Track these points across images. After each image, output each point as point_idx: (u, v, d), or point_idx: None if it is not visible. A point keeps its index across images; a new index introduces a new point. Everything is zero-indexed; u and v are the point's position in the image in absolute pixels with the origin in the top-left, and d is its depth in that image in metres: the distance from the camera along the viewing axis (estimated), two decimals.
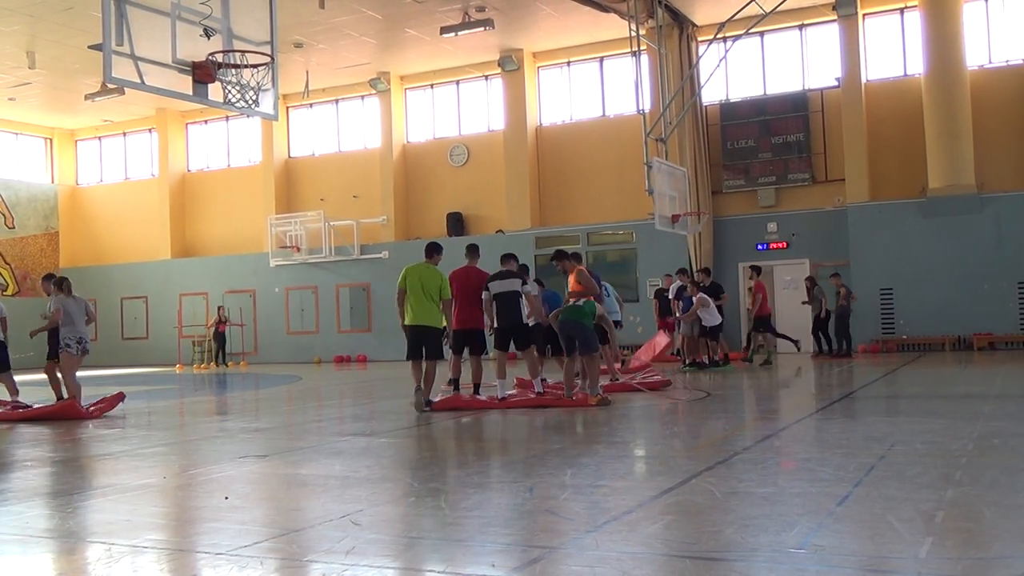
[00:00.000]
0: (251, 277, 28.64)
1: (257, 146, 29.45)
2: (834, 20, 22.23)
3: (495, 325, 11.67)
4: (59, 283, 12.40)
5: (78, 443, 9.40)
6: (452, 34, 22.12)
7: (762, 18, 19.34)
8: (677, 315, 17.74)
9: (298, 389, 16.99)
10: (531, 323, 12.46)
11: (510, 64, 25.17)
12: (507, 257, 12.00)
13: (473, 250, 12.15)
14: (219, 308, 26.66)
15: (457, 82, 26.90)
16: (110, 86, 20.32)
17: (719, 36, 20.46)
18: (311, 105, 28.43)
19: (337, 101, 28.48)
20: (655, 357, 18.27)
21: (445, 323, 11.27)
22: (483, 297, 11.47)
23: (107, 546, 4.75)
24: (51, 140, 32.11)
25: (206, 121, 30.36)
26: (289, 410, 13.17)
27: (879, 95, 22.23)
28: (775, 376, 15.98)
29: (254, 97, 9.95)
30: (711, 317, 16.52)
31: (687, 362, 17.22)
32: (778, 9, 19.19)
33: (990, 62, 21.61)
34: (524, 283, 11.78)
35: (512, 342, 11.75)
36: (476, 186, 26.38)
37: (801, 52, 23.23)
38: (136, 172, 31.88)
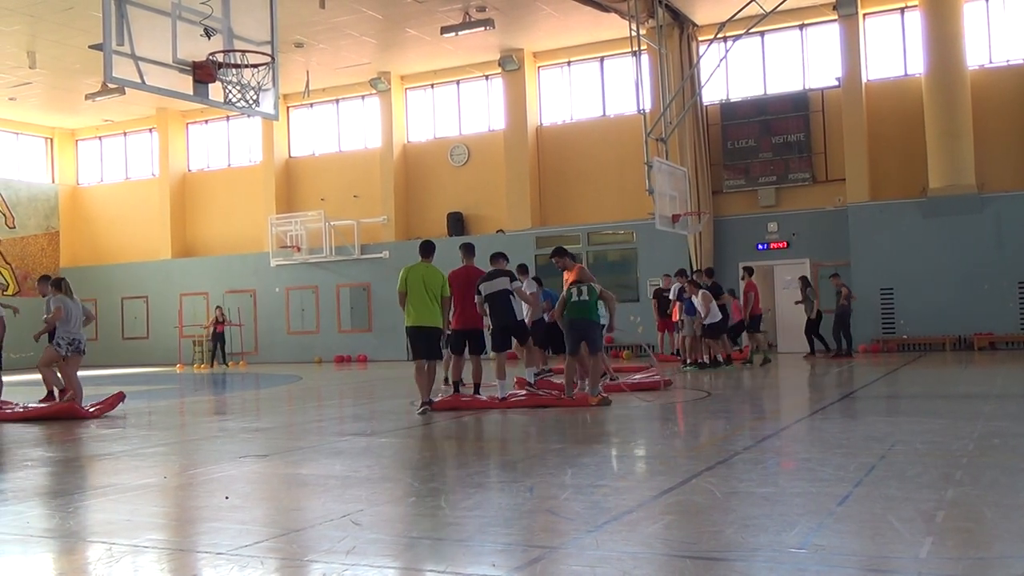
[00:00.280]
0: (251, 277, 28.64)
1: (258, 146, 29.45)
2: (834, 20, 22.22)
3: (491, 326, 11.65)
4: (57, 283, 12.41)
5: (78, 443, 9.41)
6: (452, 34, 22.11)
7: (762, 18, 19.33)
8: (679, 316, 17.74)
9: (298, 389, 16.99)
10: (528, 322, 12.48)
11: (510, 64, 25.17)
12: (496, 256, 11.99)
13: (469, 249, 12.14)
14: (217, 308, 26.68)
15: (457, 82, 26.90)
16: (111, 86, 20.33)
17: (719, 36, 20.45)
18: (311, 105, 28.43)
19: (337, 101, 28.48)
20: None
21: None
22: (476, 300, 11.47)
23: (108, 546, 4.75)
24: (52, 140, 32.12)
25: (207, 121, 30.36)
26: (289, 410, 13.17)
27: (879, 95, 22.23)
28: (775, 376, 15.98)
29: (255, 97, 9.95)
30: (711, 315, 16.65)
31: (687, 362, 17.24)
32: (778, 9, 19.18)
33: (990, 62, 21.60)
34: (512, 280, 11.76)
35: (512, 340, 11.74)
36: (476, 186, 26.38)
37: (801, 52, 23.22)
38: (137, 172, 31.88)
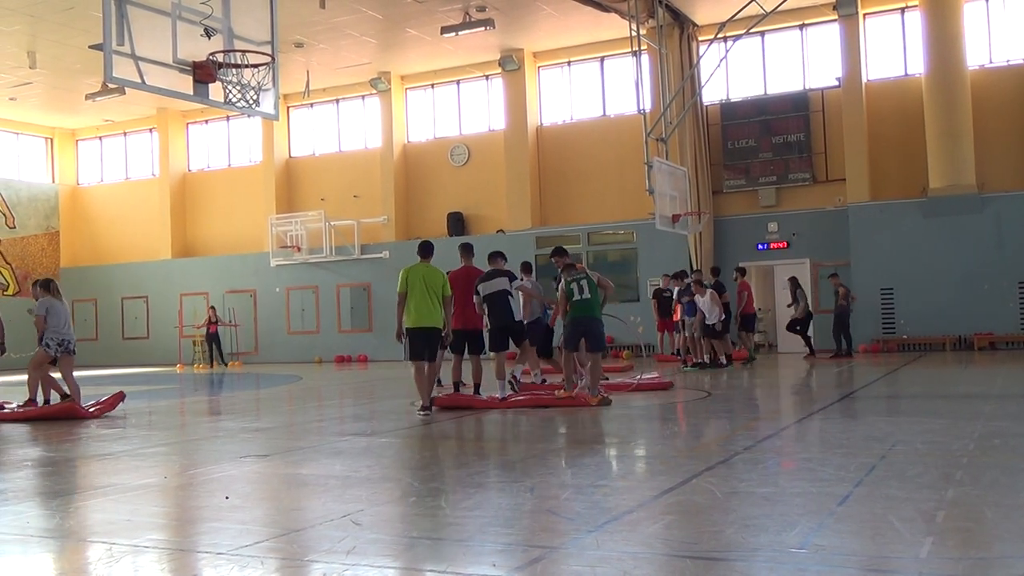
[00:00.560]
0: (252, 277, 28.65)
1: (258, 146, 29.46)
2: (835, 20, 22.22)
3: (489, 326, 11.62)
4: (46, 284, 12.38)
5: (78, 443, 9.40)
6: (453, 34, 22.11)
7: (763, 18, 19.33)
8: (680, 316, 17.75)
9: (299, 389, 16.99)
10: (526, 321, 12.47)
11: (511, 64, 25.17)
12: (495, 256, 11.97)
13: (468, 249, 12.13)
14: (210, 308, 26.72)
15: (458, 82, 26.91)
16: (111, 86, 20.34)
17: (720, 36, 20.46)
18: (312, 105, 28.43)
19: (338, 101, 28.48)
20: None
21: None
22: (474, 301, 11.45)
23: (108, 546, 4.74)
24: (52, 140, 32.13)
25: (207, 121, 30.36)
26: (290, 410, 13.17)
27: (880, 95, 22.23)
28: (775, 376, 15.99)
29: (255, 97, 9.95)
30: (711, 315, 16.72)
31: (688, 362, 17.26)
32: (779, 9, 19.18)
33: (991, 62, 21.61)
34: (512, 280, 11.76)
35: (510, 340, 11.73)
36: (477, 186, 26.38)
37: (802, 52, 23.23)
38: (137, 172, 31.89)
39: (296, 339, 28.05)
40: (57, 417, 11.55)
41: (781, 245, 22.72)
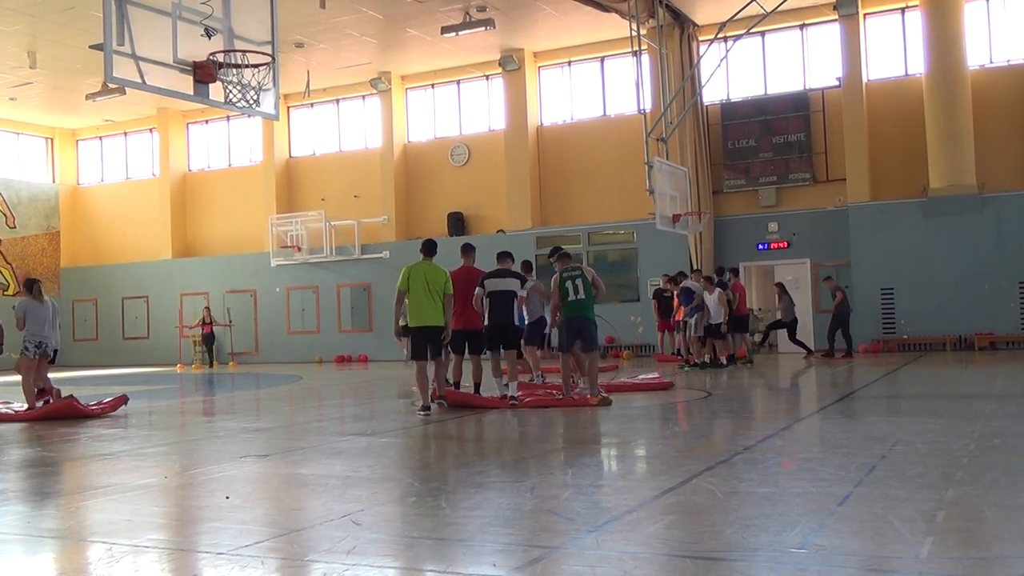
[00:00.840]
0: (252, 277, 28.65)
1: (258, 146, 29.45)
2: (835, 20, 22.22)
3: (487, 323, 11.58)
4: (29, 285, 12.37)
5: (78, 443, 9.41)
6: (453, 34, 22.11)
7: (763, 18, 19.33)
8: (683, 316, 17.75)
9: (299, 389, 16.99)
10: (528, 321, 12.49)
11: (511, 64, 25.17)
12: (504, 255, 11.99)
13: (469, 249, 12.13)
14: (204, 309, 26.70)
15: (458, 82, 26.90)
16: (111, 86, 20.32)
17: (720, 36, 20.45)
18: (312, 105, 28.43)
19: (338, 101, 28.48)
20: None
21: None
22: (475, 293, 11.43)
23: (108, 546, 4.75)
24: (52, 140, 32.12)
25: (207, 121, 30.36)
26: (290, 410, 13.16)
27: (880, 95, 22.22)
28: (776, 376, 15.99)
29: (255, 97, 9.95)
30: (716, 314, 16.79)
31: (689, 362, 17.27)
32: (779, 9, 19.18)
33: (991, 62, 21.60)
34: (523, 283, 11.79)
35: (504, 341, 11.72)
36: (477, 186, 26.38)
37: (802, 52, 23.22)
38: (137, 172, 31.88)
39: (296, 339, 28.05)
40: (57, 417, 11.55)
41: (781, 245, 22.72)
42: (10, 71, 24.94)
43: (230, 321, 27.68)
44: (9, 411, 12.03)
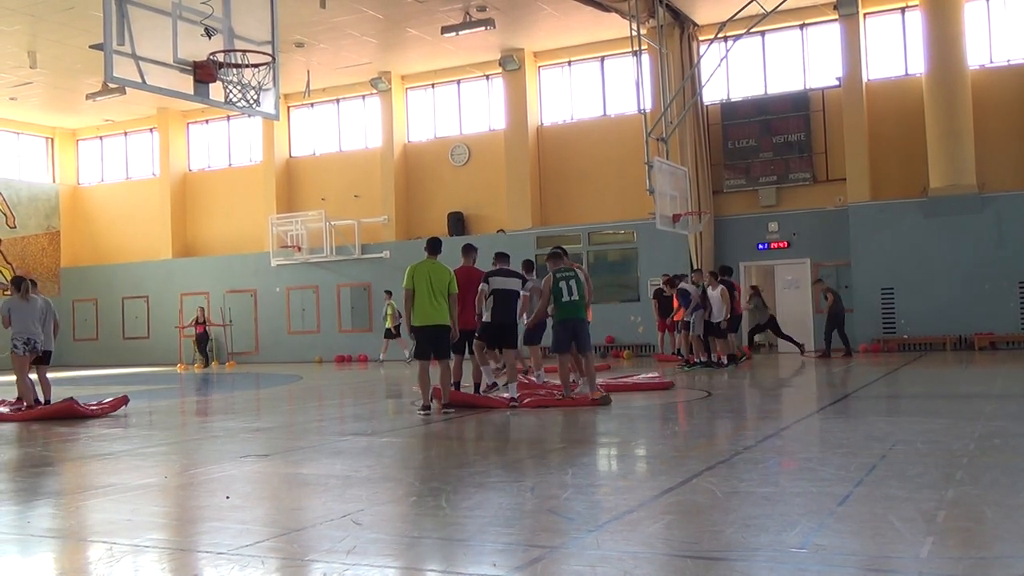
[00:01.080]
0: (252, 277, 28.65)
1: (258, 146, 29.45)
2: (835, 19, 22.21)
3: (490, 320, 11.56)
4: (17, 283, 12.37)
5: (78, 443, 9.41)
6: (453, 34, 22.11)
7: (763, 17, 19.32)
8: (684, 316, 17.77)
9: (299, 389, 16.99)
10: (530, 324, 12.49)
11: (511, 64, 25.17)
12: (502, 256, 12.02)
13: (470, 250, 12.13)
14: (199, 308, 26.70)
15: (458, 82, 26.90)
16: (111, 86, 20.35)
17: (720, 36, 20.45)
18: (312, 105, 28.43)
19: (338, 101, 28.48)
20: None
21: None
22: (480, 289, 11.39)
23: (108, 545, 4.75)
24: (52, 140, 32.12)
25: (207, 121, 30.36)
26: (290, 410, 13.17)
27: (880, 95, 22.22)
28: (775, 376, 15.99)
29: (255, 97, 9.95)
30: (718, 313, 16.84)
31: (689, 362, 17.27)
32: (779, 9, 19.17)
33: (991, 62, 21.60)
34: (524, 283, 11.81)
35: (504, 340, 11.71)
36: (477, 186, 26.38)
37: (802, 51, 23.22)
38: (137, 171, 31.88)
39: (296, 339, 28.05)
40: (57, 417, 11.55)
41: (781, 245, 22.71)
42: (10, 71, 24.94)
43: (229, 321, 27.68)
44: (9, 411, 12.03)
